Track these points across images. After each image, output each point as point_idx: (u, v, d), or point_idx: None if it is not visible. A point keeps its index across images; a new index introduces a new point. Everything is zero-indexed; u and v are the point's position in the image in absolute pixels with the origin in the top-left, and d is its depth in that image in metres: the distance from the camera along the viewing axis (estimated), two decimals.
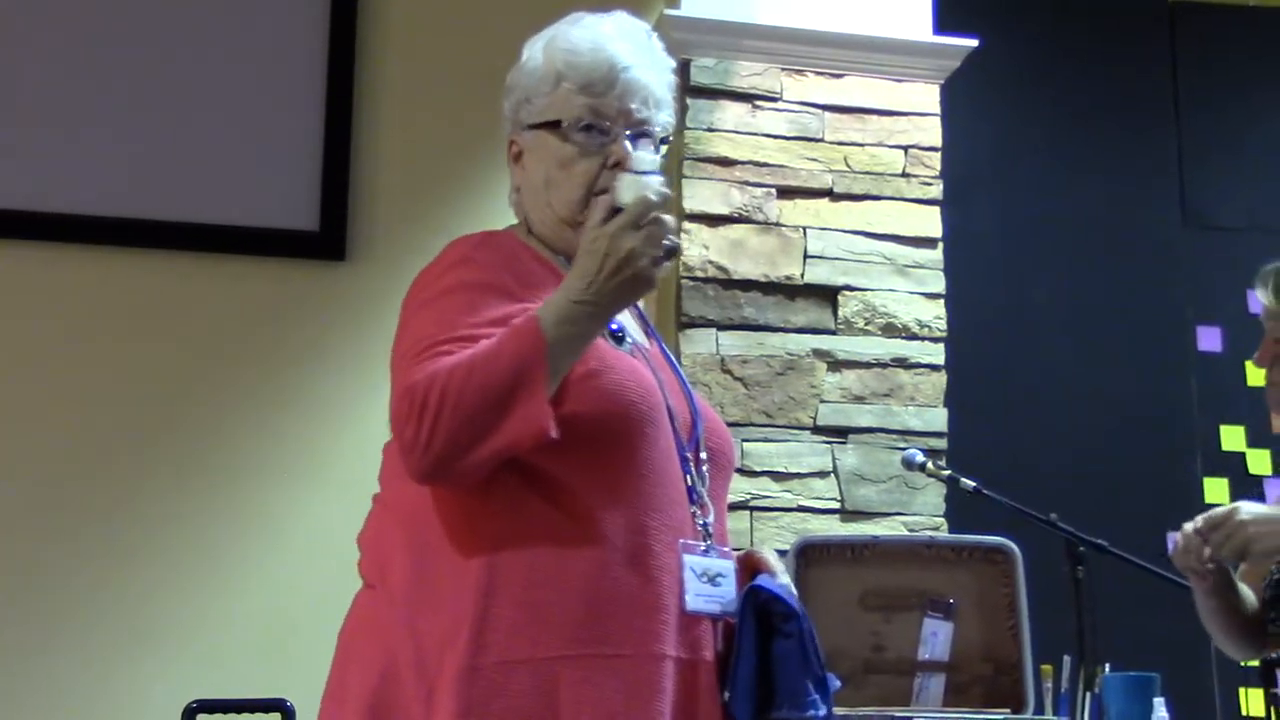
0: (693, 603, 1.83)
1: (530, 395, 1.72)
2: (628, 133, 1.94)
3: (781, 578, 1.96)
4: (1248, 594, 2.59)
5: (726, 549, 1.94)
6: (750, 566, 1.98)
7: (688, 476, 1.92)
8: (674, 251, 1.79)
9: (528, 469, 1.80)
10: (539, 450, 1.76)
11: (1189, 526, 2.46)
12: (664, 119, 2.00)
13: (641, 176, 1.79)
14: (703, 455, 1.96)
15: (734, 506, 3.76)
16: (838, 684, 2.24)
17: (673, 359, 2.08)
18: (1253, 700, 4.23)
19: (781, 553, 3.22)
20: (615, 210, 1.77)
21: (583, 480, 1.82)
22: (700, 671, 1.84)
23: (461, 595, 1.78)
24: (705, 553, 1.87)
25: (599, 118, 1.94)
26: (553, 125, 1.96)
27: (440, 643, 1.78)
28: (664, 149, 1.99)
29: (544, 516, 1.80)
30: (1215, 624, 2.60)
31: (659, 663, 1.80)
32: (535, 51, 2.01)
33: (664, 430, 1.88)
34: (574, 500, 1.81)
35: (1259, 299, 2.54)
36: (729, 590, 1.89)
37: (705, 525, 1.90)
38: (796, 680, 1.86)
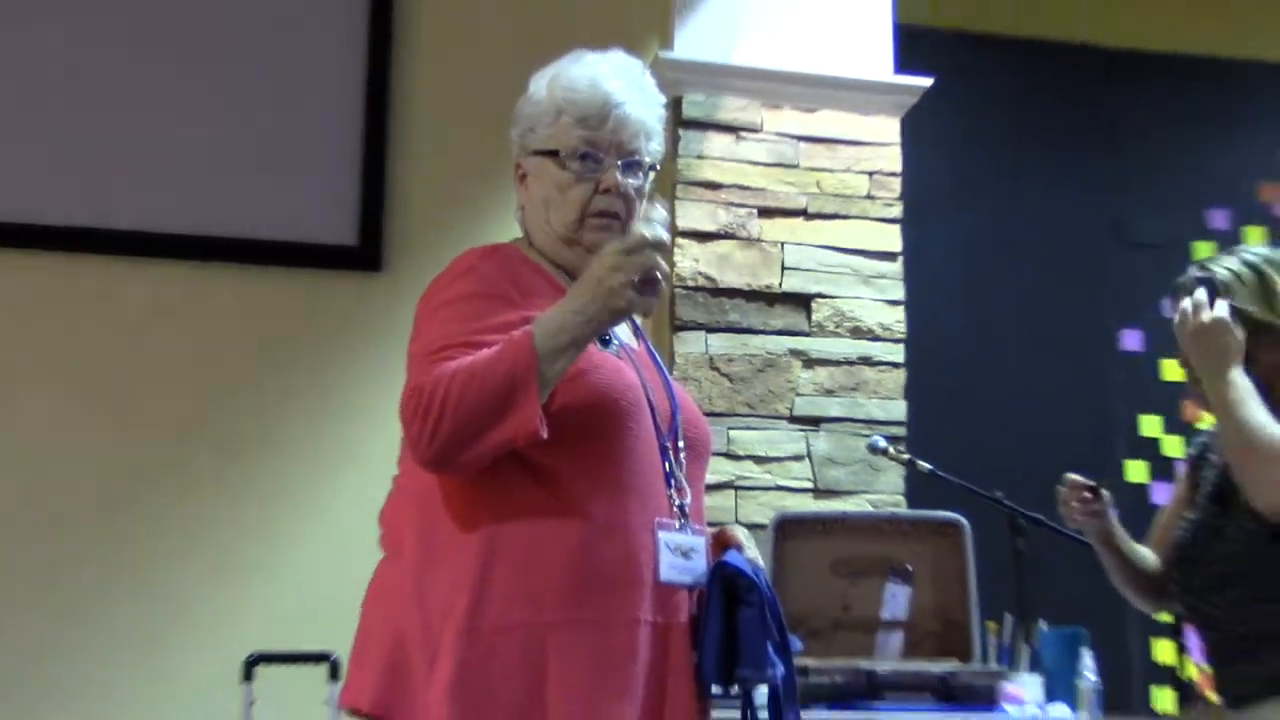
0: (666, 574, 1.87)
1: (524, 401, 1.74)
2: (618, 161, 1.98)
3: (749, 552, 1.99)
4: (1146, 554, 2.65)
5: (701, 527, 1.97)
6: (722, 542, 2.01)
7: (666, 463, 1.93)
8: (657, 285, 1.79)
9: (522, 457, 1.82)
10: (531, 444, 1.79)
11: (1061, 487, 2.58)
12: (654, 149, 2.04)
13: (650, 225, 1.81)
14: (681, 444, 1.98)
15: (720, 486, 3.78)
16: (799, 645, 2.27)
17: (657, 358, 2.10)
18: (1163, 650, 4.26)
19: (762, 526, 3.32)
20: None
21: (570, 467, 1.84)
22: (674, 634, 1.87)
23: (462, 567, 1.81)
24: (680, 530, 1.90)
25: (594, 148, 1.97)
26: (552, 154, 1.99)
27: (443, 609, 1.81)
28: (652, 175, 2.05)
29: (536, 499, 1.83)
30: (1119, 580, 2.66)
31: (635, 627, 1.83)
32: (540, 86, 2.03)
33: (645, 423, 1.91)
34: (563, 485, 1.83)
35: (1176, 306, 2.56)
36: (700, 564, 1.92)
37: (681, 506, 1.93)
38: (757, 643, 1.88)
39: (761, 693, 1.96)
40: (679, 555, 1.90)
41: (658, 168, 2.07)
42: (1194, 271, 2.56)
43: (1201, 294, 2.45)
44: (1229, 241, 4.72)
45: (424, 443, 1.77)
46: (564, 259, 2.02)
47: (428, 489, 1.89)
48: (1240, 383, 2.38)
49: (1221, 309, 2.42)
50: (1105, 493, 2.58)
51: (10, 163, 3.79)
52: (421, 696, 1.80)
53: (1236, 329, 2.43)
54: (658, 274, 1.78)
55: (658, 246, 1.78)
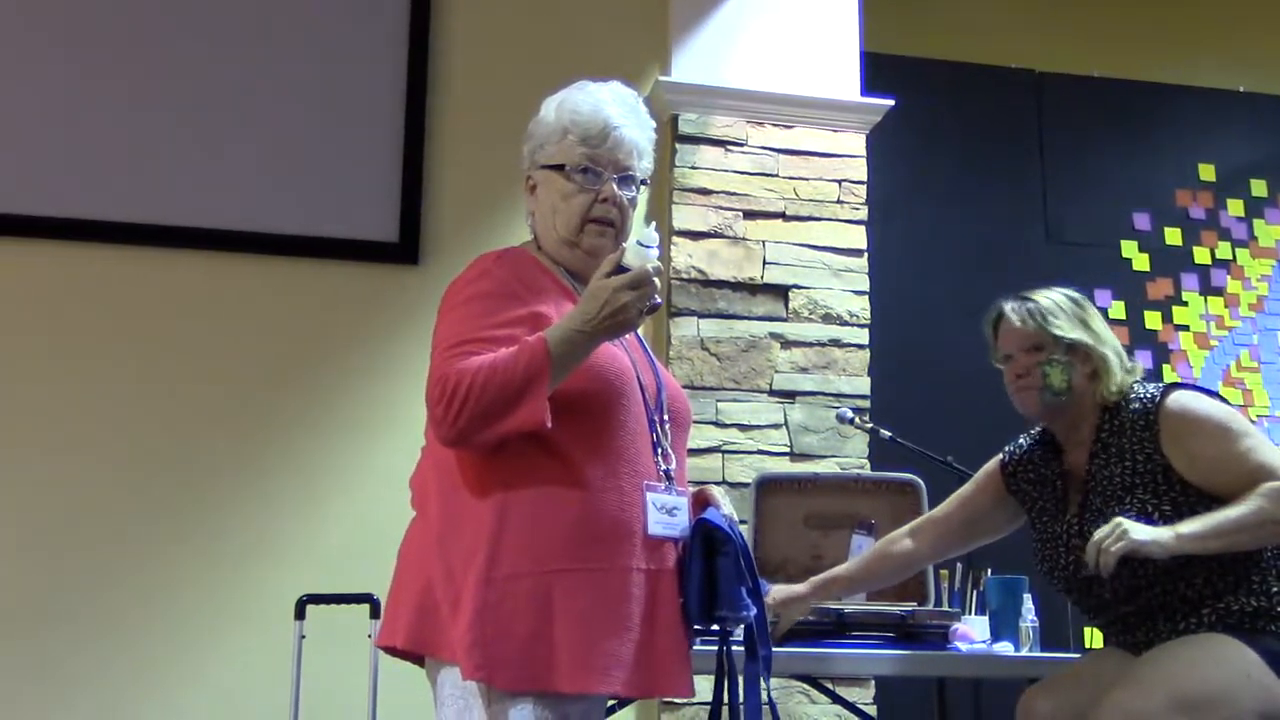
0: (653, 529, 1.86)
1: (534, 396, 1.74)
2: (615, 175, 1.95)
3: (725, 509, 1.99)
4: (889, 562, 2.70)
5: (683, 489, 1.96)
6: (702, 500, 2.01)
7: (654, 434, 1.92)
8: (656, 308, 1.80)
9: (530, 432, 1.80)
10: None
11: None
12: (645, 165, 2.01)
13: (645, 249, 1.78)
14: (665, 417, 1.97)
15: (709, 450, 3.79)
16: (769, 589, 2.45)
17: (643, 341, 2.08)
18: None
19: (745, 485, 3.33)
20: (620, 268, 1.77)
21: (572, 439, 1.83)
22: (663, 579, 1.87)
23: (479, 525, 1.80)
24: (665, 491, 1.90)
25: (594, 164, 1.95)
26: (559, 168, 1.96)
27: (464, 560, 1.80)
28: (643, 188, 2.02)
29: (542, 466, 1.82)
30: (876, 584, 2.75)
31: (629, 573, 1.82)
32: (549, 110, 2.01)
33: (635, 399, 1.90)
34: (565, 454, 1.82)
35: (995, 330, 2.55)
36: (683, 520, 1.91)
37: (667, 471, 1.92)
38: (733, 588, 1.87)
39: (739, 631, 1.97)
40: (664, 512, 1.89)
41: (648, 182, 2.05)
42: (1012, 301, 2.53)
43: (1109, 530, 2.26)
44: (1151, 241, 4.74)
45: (446, 425, 1.77)
46: (566, 260, 2.00)
47: (448, 458, 1.87)
48: (1184, 528, 2.24)
49: (1136, 531, 2.23)
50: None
51: (74, 161, 3.72)
52: (447, 634, 1.79)
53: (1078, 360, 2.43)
54: (657, 299, 1.80)
55: (657, 275, 1.79)
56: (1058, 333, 2.44)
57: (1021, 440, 2.65)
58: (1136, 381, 2.45)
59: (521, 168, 2.03)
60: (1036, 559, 2.53)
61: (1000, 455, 2.66)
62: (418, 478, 1.96)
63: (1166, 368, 4.69)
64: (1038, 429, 2.61)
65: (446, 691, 1.81)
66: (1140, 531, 2.21)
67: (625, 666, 1.79)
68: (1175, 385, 2.42)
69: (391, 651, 1.88)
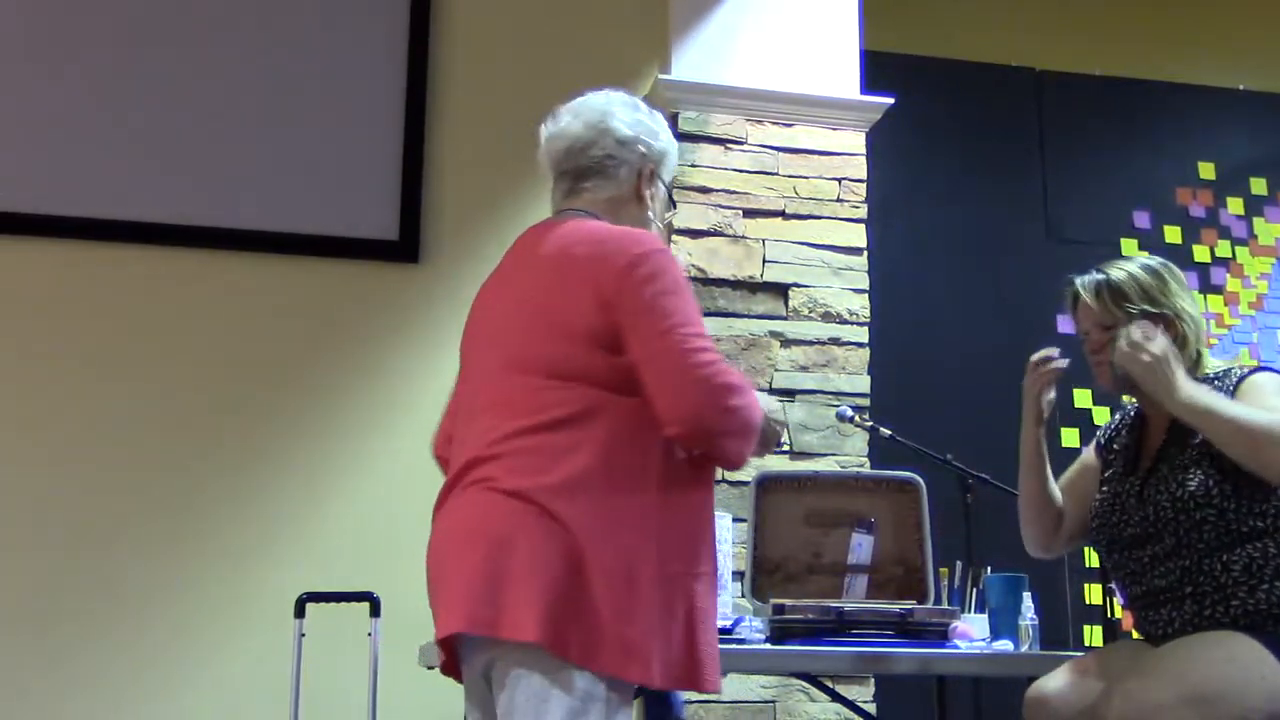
0: None
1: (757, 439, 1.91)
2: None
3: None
4: (1055, 494, 2.61)
5: None
6: None
7: None
8: (779, 443, 2.06)
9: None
10: None
11: (1037, 356, 2.54)
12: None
13: (779, 412, 2.06)
14: None
15: None
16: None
17: None
18: (1093, 592, 4.25)
19: (745, 483, 3.28)
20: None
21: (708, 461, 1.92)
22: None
23: (646, 521, 1.81)
24: None
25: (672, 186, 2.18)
26: (667, 186, 2.14)
27: (631, 557, 1.78)
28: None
29: (694, 480, 1.88)
30: (1026, 511, 2.62)
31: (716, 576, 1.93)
32: (664, 130, 2.12)
33: None
34: (706, 471, 1.91)
35: (1074, 306, 2.55)
36: None
37: None
38: None
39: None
40: None
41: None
42: (1086, 276, 2.52)
43: (1139, 328, 2.37)
44: (1151, 239, 4.72)
45: (741, 461, 1.87)
46: None
47: (619, 449, 1.83)
48: (1197, 391, 2.31)
49: (1161, 338, 2.34)
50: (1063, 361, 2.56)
51: (74, 160, 3.72)
52: (599, 632, 1.76)
53: (1161, 335, 2.38)
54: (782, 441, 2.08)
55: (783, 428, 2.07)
56: (1130, 310, 2.44)
57: (1113, 418, 2.66)
58: (1231, 365, 2.45)
59: (639, 159, 2.06)
60: (1092, 515, 2.53)
61: (1094, 439, 2.67)
62: (563, 470, 1.83)
63: None
64: (1131, 409, 2.62)
65: (555, 691, 1.75)
66: (1172, 368, 2.29)
67: (719, 666, 1.87)
68: (1264, 367, 2.43)
69: (445, 644, 1.83)
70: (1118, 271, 2.48)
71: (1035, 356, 2.57)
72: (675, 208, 2.21)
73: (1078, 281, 2.53)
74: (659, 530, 1.80)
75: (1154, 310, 2.43)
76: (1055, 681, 2.42)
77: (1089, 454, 2.67)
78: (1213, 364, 2.47)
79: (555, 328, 1.87)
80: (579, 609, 1.74)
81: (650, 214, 2.09)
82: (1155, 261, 2.53)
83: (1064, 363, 2.54)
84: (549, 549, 1.77)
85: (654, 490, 1.82)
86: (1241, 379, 2.38)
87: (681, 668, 1.79)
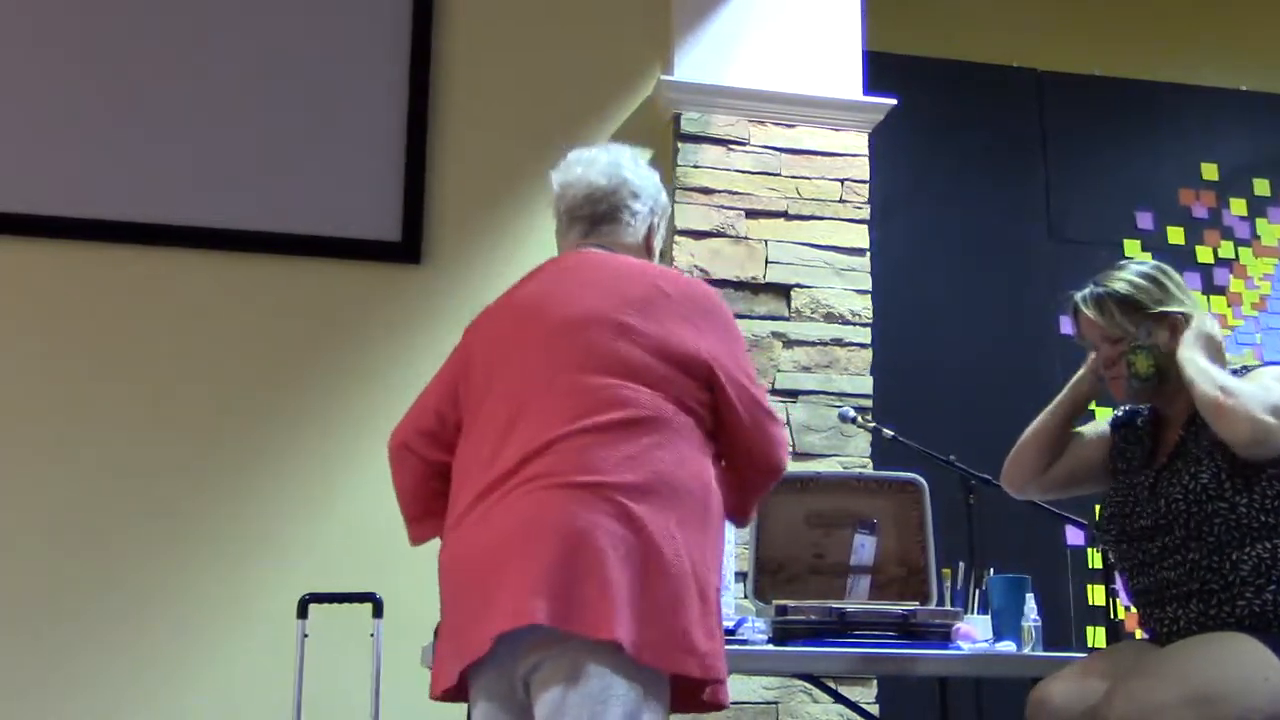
0: None
1: None
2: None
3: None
4: (1066, 441, 2.64)
5: None
6: None
7: None
8: None
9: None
10: None
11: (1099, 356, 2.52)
12: None
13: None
14: None
15: None
16: None
17: None
18: (1095, 593, 4.24)
19: None
20: None
21: None
22: None
23: (716, 536, 1.95)
24: None
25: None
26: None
27: (710, 569, 1.90)
28: None
29: (720, 502, 2.01)
30: (1034, 440, 2.64)
31: None
32: (661, 188, 2.27)
33: None
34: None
35: (1076, 320, 2.55)
36: None
37: None
38: None
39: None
40: None
41: None
42: (1085, 291, 2.53)
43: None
44: (1154, 239, 4.72)
45: (778, 472, 2.11)
46: None
47: (701, 467, 1.95)
48: (1201, 355, 2.38)
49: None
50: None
51: (74, 161, 3.72)
52: (686, 637, 1.84)
53: (1162, 331, 2.44)
54: None
55: None
56: (1134, 322, 2.45)
57: (1130, 408, 2.67)
58: (1248, 364, 2.47)
59: (648, 214, 2.23)
60: (1104, 507, 2.54)
61: (1112, 415, 2.67)
62: (665, 468, 1.90)
63: None
64: (1147, 407, 2.61)
65: (618, 692, 1.79)
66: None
67: None
68: (1274, 362, 2.45)
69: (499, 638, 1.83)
70: (1118, 283, 2.47)
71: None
72: (668, 259, 2.41)
73: (1078, 297, 2.52)
74: (715, 543, 1.91)
75: (1162, 314, 2.44)
76: (1058, 683, 2.41)
77: (1103, 425, 2.66)
78: (1227, 359, 2.47)
79: (637, 339, 1.95)
80: (654, 611, 1.79)
81: (655, 251, 2.24)
82: (1149, 266, 2.52)
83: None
84: (625, 547, 1.80)
85: (712, 506, 1.93)
86: (1250, 369, 2.41)
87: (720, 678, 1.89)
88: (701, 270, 3.90)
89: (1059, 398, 2.64)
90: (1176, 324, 2.43)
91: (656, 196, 2.23)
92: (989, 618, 2.83)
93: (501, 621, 1.79)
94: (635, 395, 1.90)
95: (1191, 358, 2.35)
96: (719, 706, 1.92)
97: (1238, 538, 2.29)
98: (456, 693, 1.96)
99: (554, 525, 1.81)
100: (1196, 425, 2.41)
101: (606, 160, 2.20)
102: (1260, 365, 2.42)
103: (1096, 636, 4.06)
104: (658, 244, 2.25)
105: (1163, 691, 2.12)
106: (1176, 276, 2.52)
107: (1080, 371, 2.62)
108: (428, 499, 2.13)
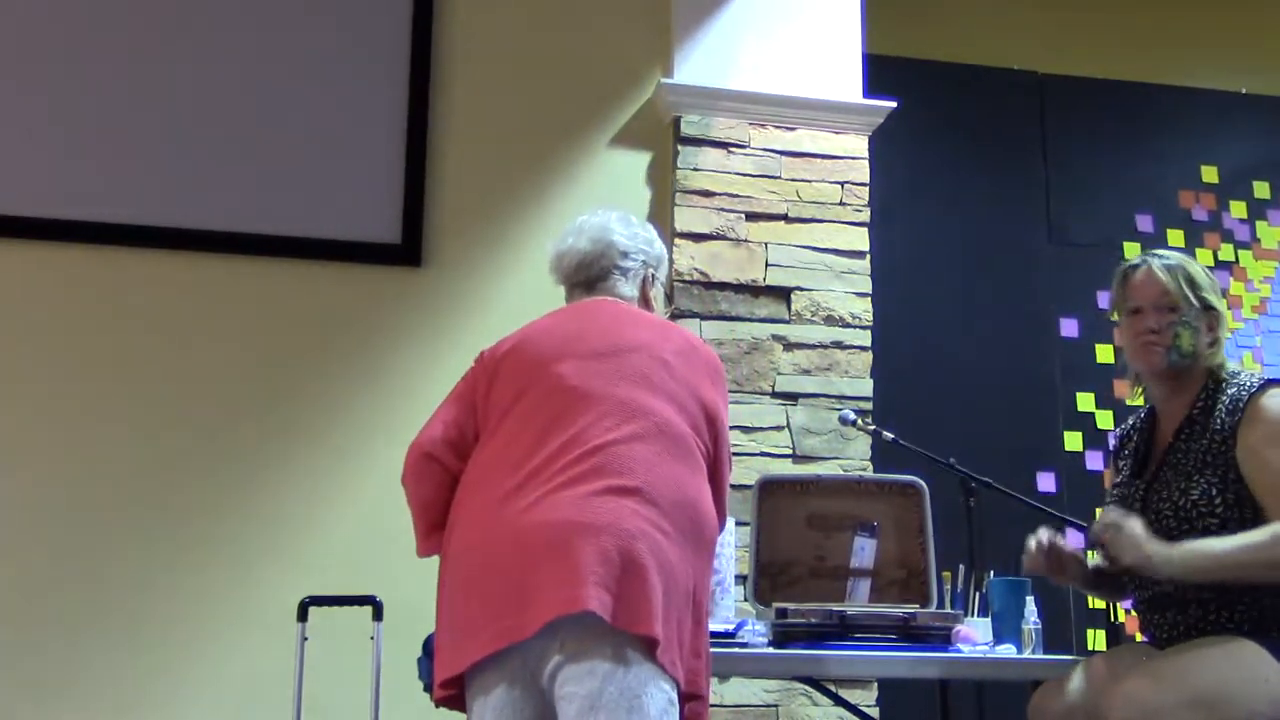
0: None
1: None
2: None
3: None
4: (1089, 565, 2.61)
5: None
6: None
7: None
8: None
9: None
10: None
11: (1032, 543, 2.48)
12: None
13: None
14: None
15: None
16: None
17: None
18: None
19: (748, 487, 3.22)
20: None
21: None
22: None
23: (711, 553, 2.10)
24: None
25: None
26: (663, 285, 2.47)
27: (704, 591, 2.03)
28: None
29: None
30: (1093, 592, 2.68)
31: None
32: (661, 242, 2.46)
33: None
34: None
35: (1126, 281, 2.53)
36: None
37: None
38: None
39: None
40: None
41: None
42: (1153, 256, 2.52)
43: (1110, 517, 2.36)
44: (1154, 242, 4.71)
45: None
46: None
47: (707, 493, 2.13)
48: (1183, 549, 2.28)
49: (1133, 523, 2.32)
50: (1058, 542, 2.51)
51: (75, 162, 3.72)
52: (687, 640, 1.98)
53: (1203, 321, 2.45)
54: None
55: None
56: (1200, 296, 2.45)
57: (1127, 422, 2.66)
58: (1243, 370, 2.47)
59: (641, 267, 2.40)
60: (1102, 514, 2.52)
61: (1111, 452, 2.68)
62: (687, 492, 2.05)
63: None
64: (1143, 411, 2.61)
65: (651, 689, 1.88)
66: (1153, 548, 2.25)
67: None
68: (1271, 381, 2.41)
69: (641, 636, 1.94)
70: (1189, 262, 2.49)
71: (1032, 546, 2.51)
72: (673, 303, 2.62)
73: (1148, 257, 2.51)
74: (709, 569, 2.05)
75: (1210, 301, 2.45)
76: (1059, 685, 2.41)
77: (1110, 477, 2.67)
78: (1229, 365, 2.48)
79: (674, 375, 2.14)
80: (675, 622, 1.92)
81: (660, 307, 2.40)
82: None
83: (1069, 546, 2.52)
84: (658, 557, 1.93)
85: (709, 536, 2.07)
86: (1251, 396, 2.37)
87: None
88: (701, 273, 3.90)
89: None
90: (1214, 321, 2.45)
91: (648, 250, 2.40)
92: (989, 620, 2.83)
93: (556, 607, 1.85)
94: (674, 419, 2.07)
95: (1187, 563, 2.26)
96: None
97: None
98: (457, 699, 1.99)
99: (605, 524, 1.91)
100: (1186, 435, 2.41)
101: (593, 226, 2.38)
102: (1254, 385, 2.38)
103: (1097, 639, 4.04)
104: (654, 294, 2.41)
105: (1163, 694, 2.12)
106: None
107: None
108: (446, 509, 2.16)
